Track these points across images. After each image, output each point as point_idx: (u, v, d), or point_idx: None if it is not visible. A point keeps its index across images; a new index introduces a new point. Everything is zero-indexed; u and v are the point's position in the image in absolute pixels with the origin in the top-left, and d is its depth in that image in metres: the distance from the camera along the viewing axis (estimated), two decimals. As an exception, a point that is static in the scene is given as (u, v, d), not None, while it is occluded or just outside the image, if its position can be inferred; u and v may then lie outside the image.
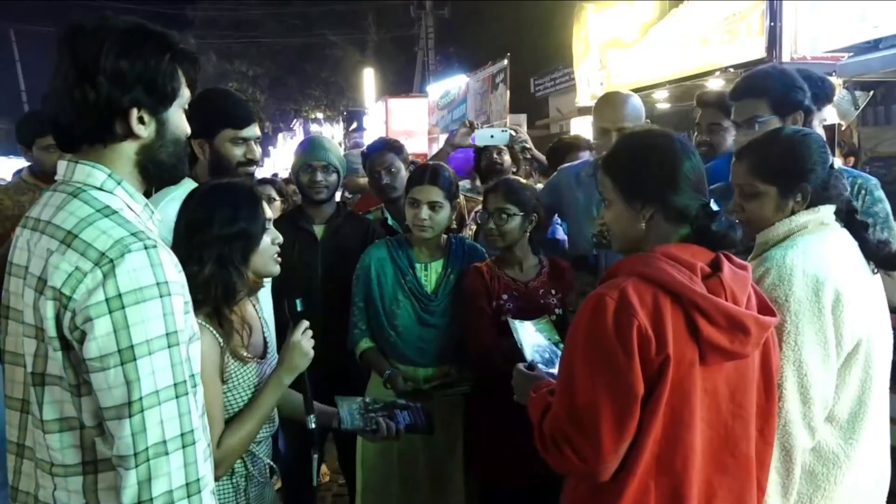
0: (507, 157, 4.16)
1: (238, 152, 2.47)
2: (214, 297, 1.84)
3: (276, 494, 2.17)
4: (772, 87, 2.44)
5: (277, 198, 4.73)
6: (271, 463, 2.06)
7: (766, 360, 1.72)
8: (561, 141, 4.59)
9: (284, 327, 2.04)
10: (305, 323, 2.00)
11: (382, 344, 2.77)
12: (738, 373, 1.66)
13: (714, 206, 1.69)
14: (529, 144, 3.97)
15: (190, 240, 1.84)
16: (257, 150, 2.55)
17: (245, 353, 1.93)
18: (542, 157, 4.30)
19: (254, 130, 2.53)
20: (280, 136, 32.86)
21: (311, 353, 1.99)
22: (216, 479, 1.83)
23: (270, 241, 1.98)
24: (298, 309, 2.02)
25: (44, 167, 3.47)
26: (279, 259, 2.02)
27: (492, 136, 3.58)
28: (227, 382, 1.88)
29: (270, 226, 1.98)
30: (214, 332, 1.85)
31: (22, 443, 1.46)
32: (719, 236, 1.67)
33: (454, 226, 2.99)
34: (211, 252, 1.84)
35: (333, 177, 3.13)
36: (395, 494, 2.76)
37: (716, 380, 1.62)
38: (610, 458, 1.56)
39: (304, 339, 1.98)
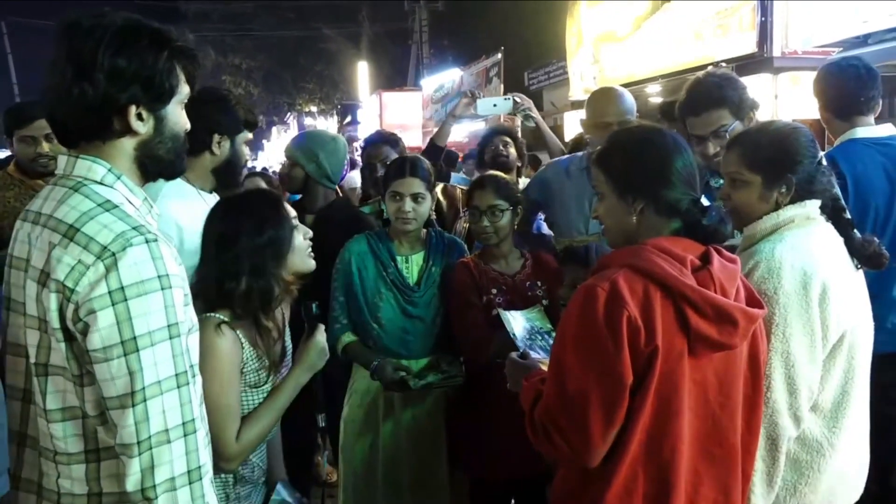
0: (512, 150, 4.08)
1: (247, 153, 2.58)
2: (254, 308, 1.87)
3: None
4: (729, 95, 2.47)
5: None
6: (262, 466, 2.08)
7: (753, 351, 1.75)
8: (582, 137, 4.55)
9: (295, 329, 2.09)
10: (322, 326, 2.04)
11: (365, 338, 2.77)
12: (727, 364, 1.68)
13: (705, 202, 1.71)
14: (534, 113, 3.77)
15: (221, 256, 1.85)
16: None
17: (279, 366, 1.98)
18: (546, 127, 4.14)
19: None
20: (274, 129, 32.79)
21: (328, 354, 2.04)
22: (230, 472, 1.88)
23: (302, 238, 2.01)
24: (314, 312, 2.06)
25: (22, 159, 3.44)
26: (312, 254, 2.05)
27: (494, 105, 3.45)
28: (257, 387, 1.92)
29: (297, 223, 2.01)
30: (239, 333, 1.87)
31: (24, 432, 1.48)
32: (710, 230, 1.70)
33: (434, 216, 2.98)
34: (244, 265, 1.85)
35: (297, 171, 3.18)
36: (378, 490, 2.77)
37: (705, 371, 1.65)
38: (598, 445, 1.59)
39: (323, 340, 2.03)
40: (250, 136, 2.57)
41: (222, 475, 1.92)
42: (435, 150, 3.57)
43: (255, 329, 1.90)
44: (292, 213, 2.01)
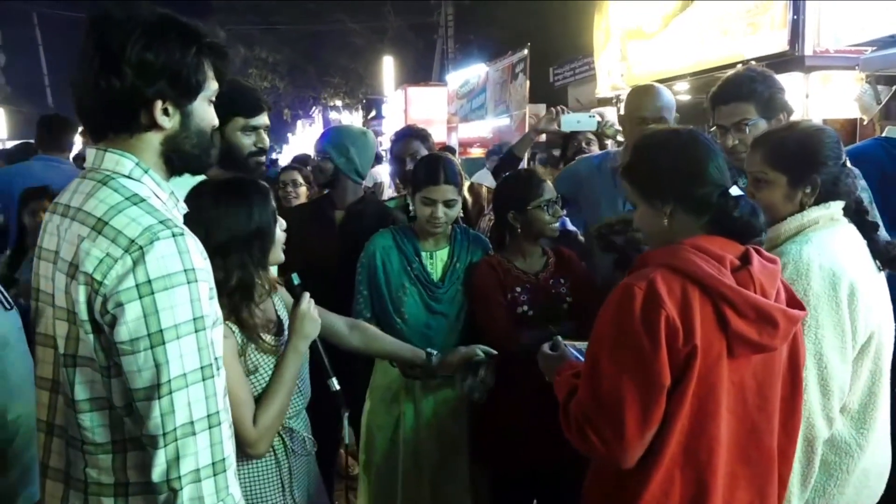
0: (595, 148, 4.08)
1: (248, 141, 2.45)
2: (237, 300, 1.87)
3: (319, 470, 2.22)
4: (759, 90, 2.45)
5: (303, 183, 4.70)
6: (310, 437, 2.10)
7: (793, 354, 1.74)
8: None
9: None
10: (307, 294, 2.04)
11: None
12: (765, 366, 1.67)
13: (736, 191, 1.70)
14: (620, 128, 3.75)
15: (206, 243, 1.76)
16: (266, 139, 2.52)
17: (271, 345, 1.96)
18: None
19: (263, 119, 2.50)
20: (299, 123, 32.96)
21: (319, 319, 2.03)
22: (260, 456, 1.90)
23: (280, 230, 2.01)
24: (296, 283, 2.07)
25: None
26: (283, 247, 2.04)
27: (578, 122, 3.45)
28: (255, 373, 1.92)
29: (276, 215, 2.00)
30: (229, 323, 1.87)
31: (52, 421, 1.50)
32: (742, 222, 1.68)
33: (460, 214, 2.97)
34: (233, 258, 1.85)
35: (327, 164, 3.15)
36: (399, 484, 2.78)
37: (743, 372, 1.64)
38: (634, 446, 1.59)
39: (310, 307, 2.02)
40: (252, 121, 2.44)
41: (275, 453, 1.96)
42: (513, 160, 3.60)
43: (237, 319, 1.90)
44: (272, 202, 2.00)
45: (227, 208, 1.89)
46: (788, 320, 1.63)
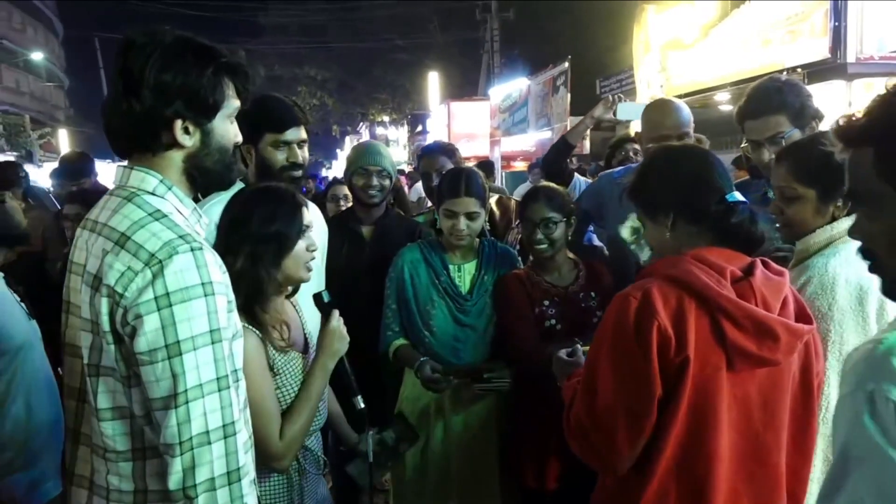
0: (642, 158, 4.09)
1: (280, 156, 2.46)
2: (245, 295, 1.87)
3: (329, 490, 2.24)
4: (789, 100, 2.40)
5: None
6: (323, 457, 2.12)
7: (806, 369, 1.69)
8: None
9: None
10: (336, 311, 2.07)
11: (417, 345, 2.79)
12: (772, 381, 1.64)
13: (735, 197, 1.67)
14: None
15: (228, 236, 1.91)
16: (301, 153, 2.51)
17: (283, 343, 1.99)
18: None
19: (296, 133, 2.49)
20: (347, 138, 33.37)
21: (348, 337, 2.06)
22: (284, 469, 1.92)
23: (305, 248, 2.01)
24: (326, 300, 2.10)
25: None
26: (311, 268, 2.06)
27: (635, 111, 3.38)
28: (278, 376, 1.94)
29: (308, 233, 2.03)
30: (255, 330, 1.91)
31: (78, 429, 1.56)
32: (741, 229, 1.66)
33: (487, 227, 2.99)
34: (245, 248, 1.90)
35: (387, 182, 3.20)
36: (428, 497, 2.79)
37: (746, 387, 1.61)
38: (623, 453, 1.59)
39: (339, 324, 2.05)
40: (282, 136, 2.44)
41: (287, 473, 1.97)
42: (566, 147, 3.59)
43: (251, 316, 1.91)
44: (307, 219, 2.02)
45: (253, 207, 1.95)
46: (791, 334, 1.59)
